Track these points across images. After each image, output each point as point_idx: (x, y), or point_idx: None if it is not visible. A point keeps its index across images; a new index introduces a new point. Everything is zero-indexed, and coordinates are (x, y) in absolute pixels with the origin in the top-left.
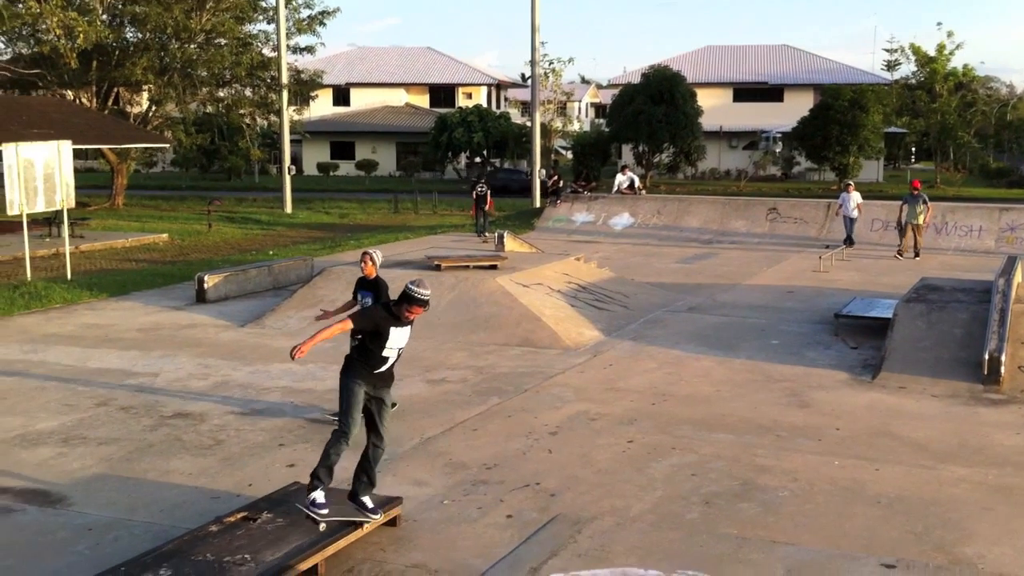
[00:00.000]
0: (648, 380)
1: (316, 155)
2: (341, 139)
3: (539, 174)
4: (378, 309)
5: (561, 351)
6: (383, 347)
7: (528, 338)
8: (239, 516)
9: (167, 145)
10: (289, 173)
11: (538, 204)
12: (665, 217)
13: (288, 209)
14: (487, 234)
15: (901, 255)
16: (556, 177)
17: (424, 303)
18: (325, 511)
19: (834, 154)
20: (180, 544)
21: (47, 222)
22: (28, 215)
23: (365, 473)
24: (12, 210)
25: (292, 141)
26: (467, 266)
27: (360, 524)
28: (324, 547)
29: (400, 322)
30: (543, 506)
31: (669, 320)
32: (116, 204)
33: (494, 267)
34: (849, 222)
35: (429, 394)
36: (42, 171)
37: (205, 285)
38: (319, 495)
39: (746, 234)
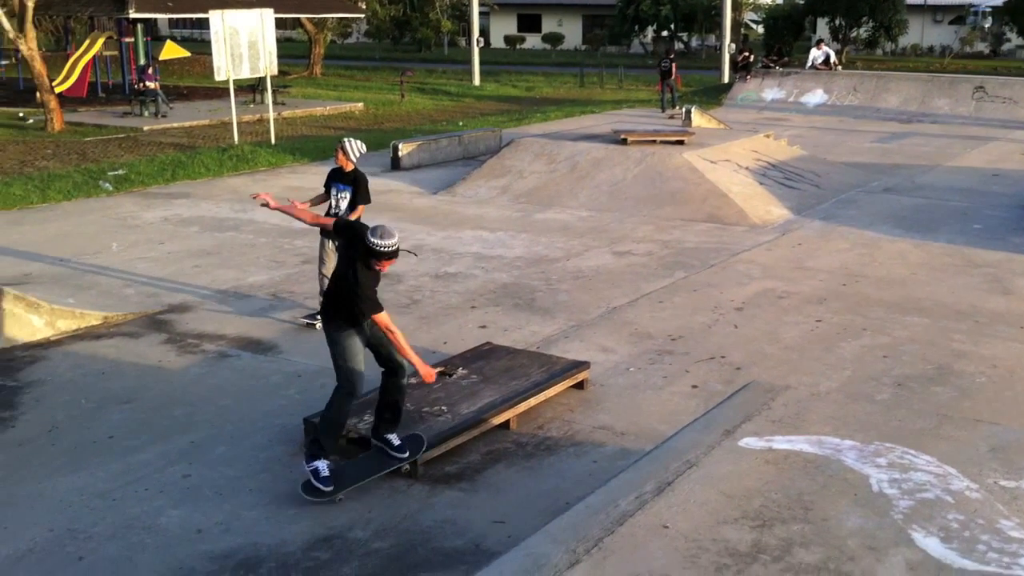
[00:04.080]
0: (839, 260)
1: (503, 28)
2: (527, 11)
3: (728, 48)
4: (357, 261)
5: (748, 228)
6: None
7: (714, 214)
8: (436, 370)
9: (361, 16)
10: (477, 45)
11: (726, 80)
12: (861, 95)
13: (476, 81)
14: (675, 108)
15: None
16: (746, 52)
17: (390, 255)
18: (331, 487)
19: None
20: None
21: (251, 89)
22: (234, 81)
23: (388, 409)
24: (219, 76)
25: (480, 13)
26: (654, 141)
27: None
28: (516, 404)
29: (376, 274)
30: (728, 379)
31: (863, 200)
32: (314, 73)
33: (681, 143)
34: None
35: (615, 265)
36: (246, 39)
37: (400, 153)
38: (322, 465)
39: (949, 114)
